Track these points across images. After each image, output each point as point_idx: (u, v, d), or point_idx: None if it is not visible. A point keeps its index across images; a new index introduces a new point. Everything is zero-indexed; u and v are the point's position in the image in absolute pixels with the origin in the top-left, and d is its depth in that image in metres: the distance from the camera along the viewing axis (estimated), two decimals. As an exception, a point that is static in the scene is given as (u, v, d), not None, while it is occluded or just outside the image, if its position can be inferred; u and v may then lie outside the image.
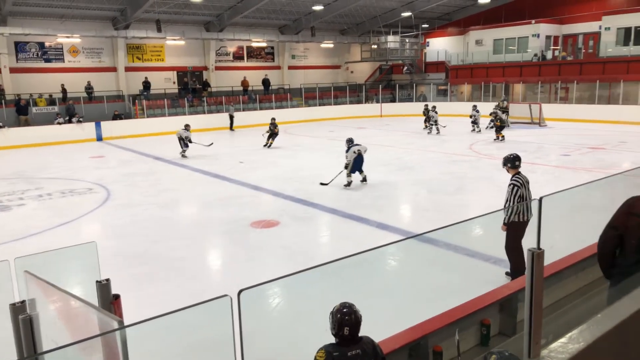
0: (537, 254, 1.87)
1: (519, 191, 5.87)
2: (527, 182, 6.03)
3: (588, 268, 4.78)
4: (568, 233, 6.23)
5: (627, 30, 24.23)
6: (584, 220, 6.72)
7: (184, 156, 16.32)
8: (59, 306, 2.20)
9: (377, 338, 3.05)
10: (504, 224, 5.86)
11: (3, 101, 22.19)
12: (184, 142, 16.41)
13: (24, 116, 21.94)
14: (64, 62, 24.90)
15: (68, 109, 22.64)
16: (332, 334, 2.85)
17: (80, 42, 24.70)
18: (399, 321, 3.77)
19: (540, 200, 1.91)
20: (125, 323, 2.50)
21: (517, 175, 5.98)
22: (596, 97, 24.41)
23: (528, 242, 5.84)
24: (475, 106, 21.78)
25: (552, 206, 2.18)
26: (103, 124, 22.65)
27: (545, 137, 18.75)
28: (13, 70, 23.32)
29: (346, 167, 11.18)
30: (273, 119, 18.52)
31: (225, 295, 1.21)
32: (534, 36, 27.53)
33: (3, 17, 21.80)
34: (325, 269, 1.83)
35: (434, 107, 21.56)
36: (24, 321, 2.09)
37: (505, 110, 21.50)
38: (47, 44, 24.23)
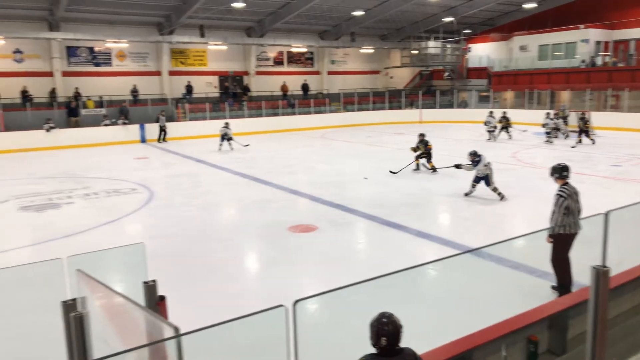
0: (603, 272, 1.76)
1: (565, 202, 5.62)
2: (576, 193, 5.77)
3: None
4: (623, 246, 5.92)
5: (684, 35, 23.05)
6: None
7: (220, 149, 18.74)
8: (108, 305, 2.24)
9: (418, 350, 2.97)
10: (549, 235, 5.63)
11: (55, 103, 23.22)
12: (224, 138, 18.82)
13: (74, 118, 22.88)
14: (111, 66, 25.85)
15: (122, 110, 23.46)
16: (372, 344, 2.80)
17: (127, 46, 25.59)
18: (440, 334, 3.67)
19: (606, 215, 1.80)
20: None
21: (564, 186, 5.74)
22: (649, 106, 23.30)
23: (578, 255, 5.59)
24: (491, 112, 21.09)
25: (614, 221, 2.06)
26: (147, 126, 23.33)
27: (593, 147, 18.01)
28: (65, 73, 24.37)
29: (481, 175, 10.26)
30: (422, 134, 14.24)
31: (281, 306, 1.18)
32: (583, 42, 26.59)
33: (57, 23, 22.82)
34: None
35: (491, 112, 21.11)
36: (75, 319, 2.12)
37: (564, 119, 20.68)
38: (96, 49, 25.22)
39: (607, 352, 1.92)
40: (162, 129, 22.73)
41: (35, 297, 3.41)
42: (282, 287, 6.20)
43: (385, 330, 2.73)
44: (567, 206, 5.62)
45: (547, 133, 19.53)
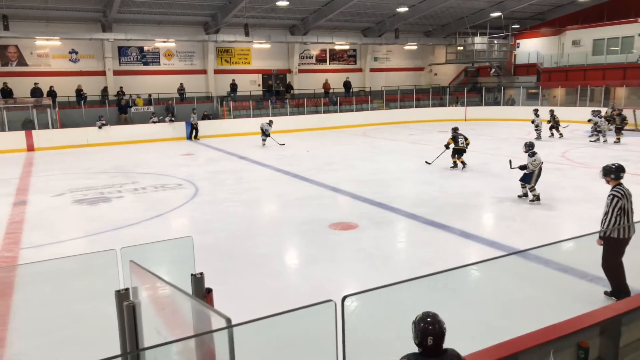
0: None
1: (620, 202, 5.37)
2: (630, 195, 5.51)
3: None
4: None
5: None
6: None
7: (263, 145, 19.65)
8: (158, 296, 2.32)
9: (462, 352, 2.92)
10: (600, 237, 5.40)
11: (107, 101, 24.24)
12: (264, 133, 19.67)
13: (124, 115, 23.81)
14: (159, 65, 26.70)
15: (167, 108, 24.24)
16: (415, 343, 2.77)
17: (175, 46, 26.34)
18: (485, 336, 3.59)
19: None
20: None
21: (618, 186, 5.49)
22: None
23: (634, 258, 5.34)
24: (536, 110, 20.33)
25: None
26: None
27: (650, 146, 17.09)
28: (116, 72, 25.38)
29: (528, 171, 9.90)
30: (454, 129, 14.31)
31: (330, 301, 1.19)
32: (640, 36, 25.25)
33: (109, 25, 23.78)
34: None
35: (536, 109, 20.41)
36: (128, 308, 2.22)
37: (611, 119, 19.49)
38: (145, 49, 26.10)
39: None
40: (194, 127, 23.26)
41: (90, 286, 3.59)
42: (323, 283, 6.24)
43: (431, 330, 2.71)
44: (622, 207, 5.38)
45: (597, 131, 18.70)
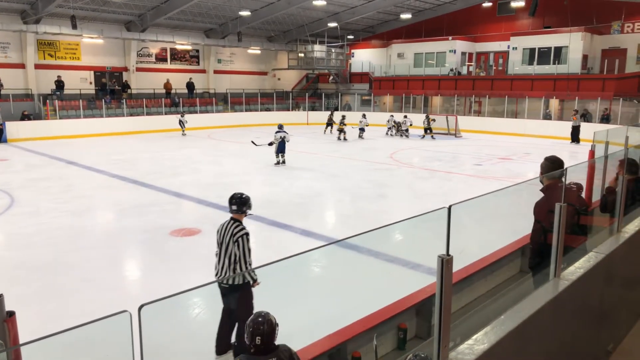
0: (447, 260, 1.96)
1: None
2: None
3: (496, 271, 5.10)
4: (478, 239, 6.61)
5: (532, 50, 26.39)
6: (493, 226, 7.18)
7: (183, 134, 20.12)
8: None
9: (297, 346, 3.05)
10: None
11: None
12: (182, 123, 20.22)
13: None
14: (-39, 55, 22.73)
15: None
16: (246, 344, 2.85)
17: (-17, 34, 22.67)
18: (320, 328, 3.80)
19: (449, 208, 2.01)
20: (21, 342, 2.30)
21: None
22: (505, 111, 26.32)
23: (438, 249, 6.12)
24: (363, 115, 24.53)
25: (462, 214, 2.30)
26: (8, 124, 20.88)
27: (460, 148, 19.86)
28: None
29: (270, 144, 15.08)
30: (343, 116, 22.63)
31: (125, 311, 1.14)
32: (451, 52, 29.17)
33: None
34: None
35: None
36: None
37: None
38: (-58, 35, 22.00)
39: (454, 332, 2.14)
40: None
41: None
42: (160, 294, 5.95)
43: (260, 330, 2.80)
44: None
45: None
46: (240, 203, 4.44)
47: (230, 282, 4.24)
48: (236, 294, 4.19)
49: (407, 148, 19.71)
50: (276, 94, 32.75)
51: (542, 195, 3.81)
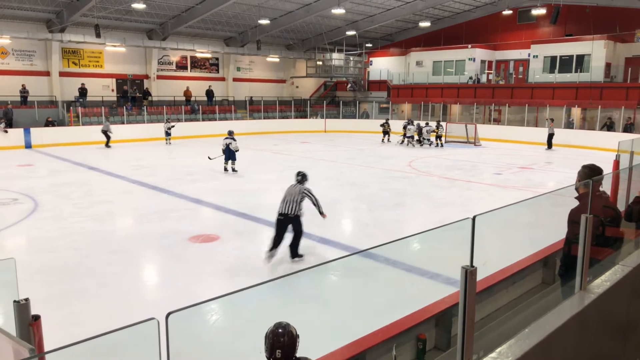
0: (470, 272, 1.93)
1: None
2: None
3: (518, 282, 5.01)
4: (500, 249, 6.51)
5: (553, 58, 26.06)
6: (514, 237, 7.06)
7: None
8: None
9: (315, 355, 3.03)
10: None
11: None
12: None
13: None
14: (-11, 63, 23.39)
15: (6, 113, 21.24)
16: (266, 356, 2.71)
17: (10, 43, 23.30)
18: (338, 338, 3.77)
19: (473, 219, 1.98)
20: (46, 346, 2.33)
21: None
22: (525, 120, 25.99)
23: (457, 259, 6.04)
24: (387, 120, 25.50)
25: (485, 224, 2.27)
26: (33, 130, 21.38)
27: (479, 156, 19.66)
28: None
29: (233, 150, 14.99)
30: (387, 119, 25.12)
31: (152, 319, 1.15)
32: (470, 60, 28.98)
33: None
34: (266, 285, 1.79)
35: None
36: None
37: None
38: (-28, 44, 22.69)
39: (475, 344, 2.10)
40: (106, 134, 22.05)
41: None
42: (180, 300, 5.98)
43: (280, 343, 2.66)
44: None
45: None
46: (303, 176, 7.76)
47: (297, 213, 7.31)
48: (299, 218, 7.34)
49: (426, 156, 19.59)
50: (294, 102, 32.93)
51: (577, 203, 3.77)
